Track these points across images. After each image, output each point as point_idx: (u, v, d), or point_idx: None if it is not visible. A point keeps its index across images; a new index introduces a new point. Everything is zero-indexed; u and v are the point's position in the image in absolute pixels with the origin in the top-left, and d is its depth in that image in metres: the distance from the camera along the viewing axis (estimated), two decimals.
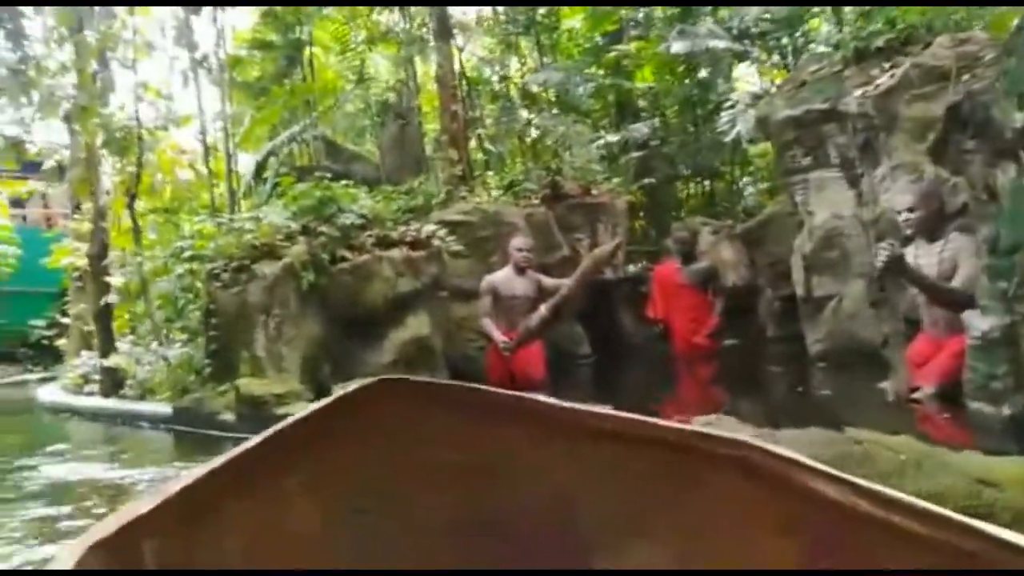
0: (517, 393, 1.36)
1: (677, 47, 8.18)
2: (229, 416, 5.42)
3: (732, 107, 8.28)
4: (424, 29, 11.41)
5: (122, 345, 7.91)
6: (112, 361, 7.24)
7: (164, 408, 6.07)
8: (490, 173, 8.63)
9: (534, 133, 8.87)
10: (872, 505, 0.90)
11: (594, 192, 8.07)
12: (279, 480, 1.16)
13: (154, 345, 7.21)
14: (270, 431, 1.15)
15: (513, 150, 8.98)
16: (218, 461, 1.03)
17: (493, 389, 1.36)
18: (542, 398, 1.36)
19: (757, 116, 6.45)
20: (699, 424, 2.59)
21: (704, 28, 8.86)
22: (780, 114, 5.84)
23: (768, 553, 1.03)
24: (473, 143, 8.97)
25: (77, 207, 8.97)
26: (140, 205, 8.28)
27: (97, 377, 7.57)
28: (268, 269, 5.86)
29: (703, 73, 10.11)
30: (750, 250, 8.44)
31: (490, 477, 1.29)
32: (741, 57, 9.17)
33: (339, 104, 10.02)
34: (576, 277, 5.92)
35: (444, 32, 8.75)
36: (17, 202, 15.86)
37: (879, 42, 5.30)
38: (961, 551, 0.81)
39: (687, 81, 9.84)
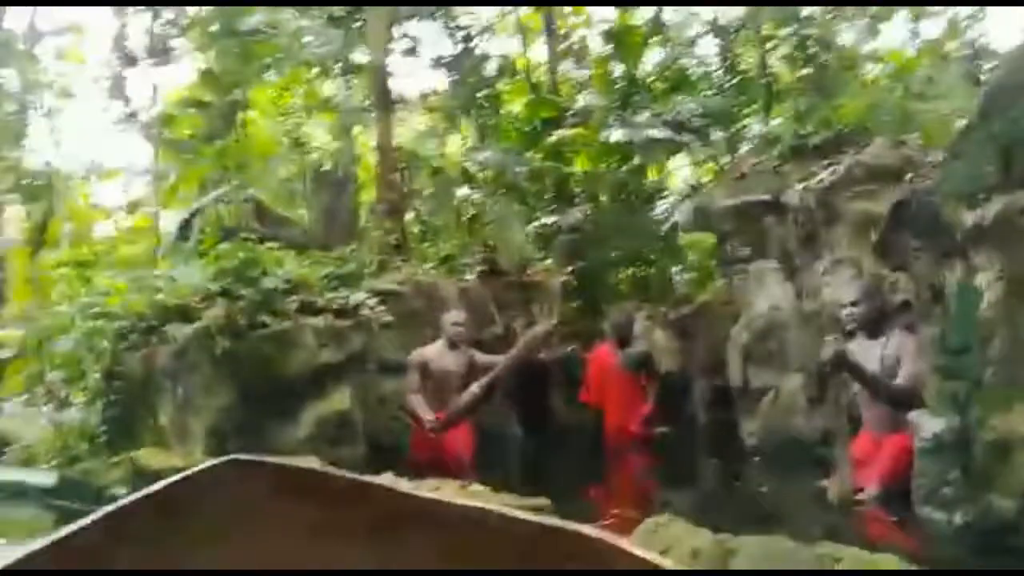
0: (368, 479, 1.37)
1: (616, 135, 8.29)
2: (121, 490, 4.87)
3: (668, 197, 8.38)
4: (366, 100, 11.39)
5: (9, 407, 7.21)
6: None
7: (49, 478, 5.45)
8: (425, 245, 8.43)
9: (471, 210, 8.76)
10: None
11: (529, 272, 7.94)
12: (111, 563, 1.14)
13: (46, 408, 6.58)
14: (106, 510, 1.13)
15: (449, 225, 8.83)
16: (40, 543, 1.00)
17: (343, 474, 1.36)
18: (393, 484, 1.38)
19: (696, 206, 6.48)
20: (648, 525, 2.36)
21: (642, 118, 9.07)
22: (720, 204, 5.87)
23: None
24: (409, 215, 8.77)
25: None
26: (52, 257, 7.72)
27: None
28: (180, 332, 5.43)
29: (636, 161, 10.30)
30: (683, 338, 8.41)
31: (336, 564, 1.28)
32: (676, 148, 9.37)
33: (271, 168, 9.73)
34: (511, 356, 5.71)
35: (385, 103, 8.67)
36: None
37: (816, 140, 5.41)
38: None
39: (621, 168, 9.97)
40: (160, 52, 12.74)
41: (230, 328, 5.60)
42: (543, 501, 2.91)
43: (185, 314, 5.51)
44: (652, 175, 9.89)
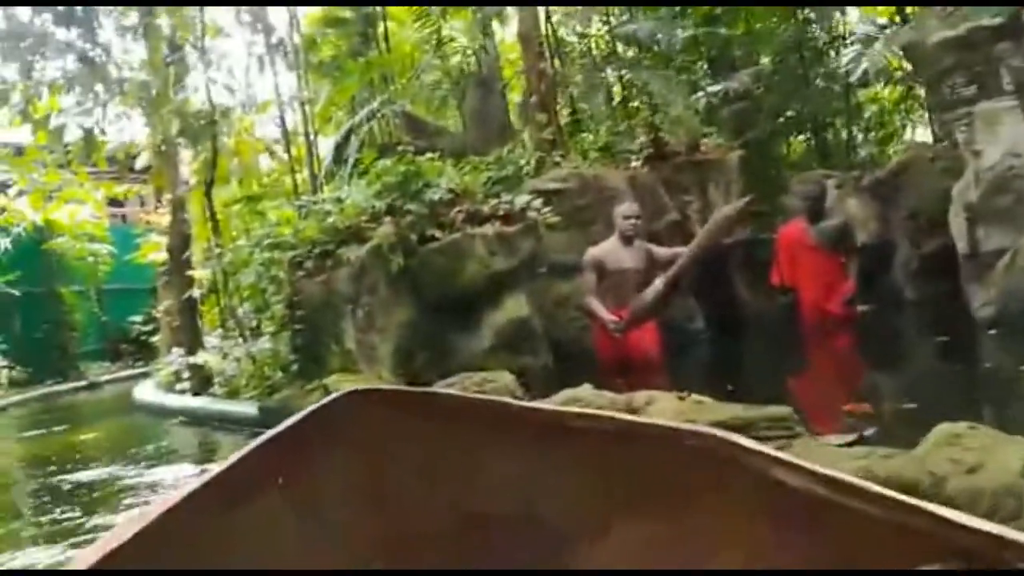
0: (486, 397, 1.51)
1: None
2: None
3: (853, 44, 7.29)
4: None
5: (210, 340, 7.64)
6: (199, 358, 6.95)
7: (252, 409, 5.68)
8: (583, 136, 7.89)
9: (621, 89, 8.06)
10: (831, 491, 0.96)
11: (702, 149, 7.24)
12: (258, 498, 1.19)
13: (240, 339, 6.87)
14: (245, 450, 1.19)
15: (604, 110, 8.20)
16: (194, 484, 1.07)
17: (461, 394, 1.57)
18: (510, 400, 1.51)
19: (901, 44, 5.51)
20: (944, 431, 1.88)
21: None
22: (935, 37, 4.90)
23: (740, 537, 1.08)
24: (561, 107, 8.22)
25: (160, 201, 8.76)
26: (222, 194, 7.96)
27: (187, 374, 7.31)
28: (354, 253, 5.35)
29: (808, 12, 9.10)
30: (881, 204, 7.49)
31: (464, 479, 1.33)
32: None
33: (417, 74, 9.44)
34: (697, 243, 5.19)
35: None
36: (117, 202, 16.13)
37: None
38: (919, 531, 0.85)
39: (791, 22, 8.82)
40: None
41: (401, 245, 5.47)
42: (783, 410, 2.47)
43: (357, 235, 5.42)
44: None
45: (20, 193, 12.42)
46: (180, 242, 7.52)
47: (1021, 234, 4.96)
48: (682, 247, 5.80)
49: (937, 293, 6.62)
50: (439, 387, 4.09)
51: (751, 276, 7.68)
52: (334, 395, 1.37)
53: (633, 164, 6.97)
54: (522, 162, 6.81)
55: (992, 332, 5.17)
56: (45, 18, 5.73)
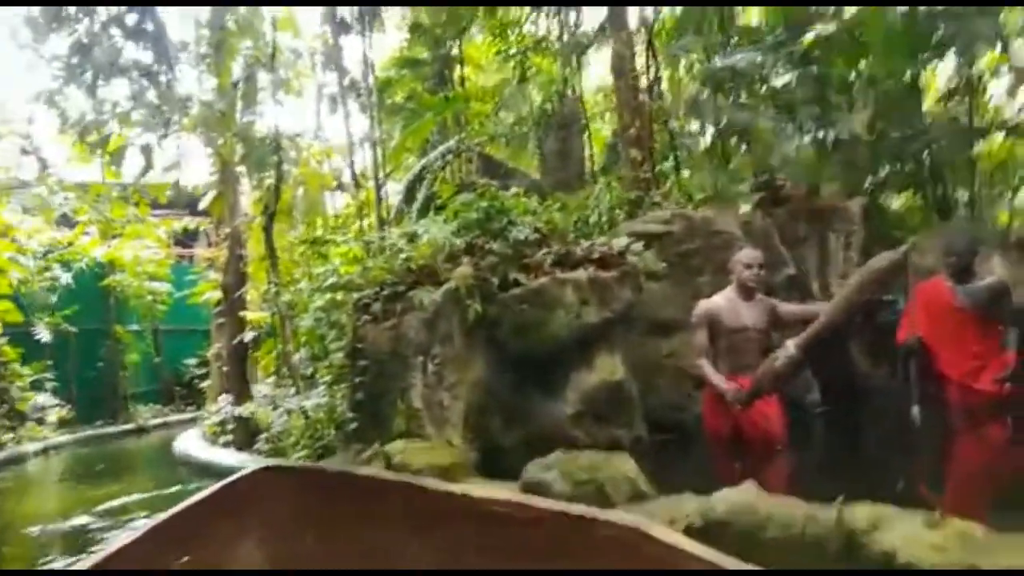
0: (402, 478, 1.69)
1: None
2: None
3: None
4: (584, 29, 10.18)
5: (261, 388, 6.94)
6: (246, 409, 6.24)
7: None
8: (686, 174, 7.08)
9: (723, 127, 7.24)
10: None
11: (820, 195, 6.35)
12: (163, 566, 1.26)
13: (292, 391, 6.14)
14: (149, 526, 1.36)
15: (704, 149, 7.40)
16: (98, 557, 1.18)
17: (379, 475, 1.02)
18: (428, 481, 1.68)
19: None
20: None
21: None
22: None
23: None
24: (658, 141, 7.45)
25: (219, 234, 8.23)
26: (284, 228, 7.37)
27: (232, 426, 6.61)
28: (427, 297, 4.59)
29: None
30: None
31: (371, 560, 1.42)
32: None
33: (501, 105, 8.84)
34: (843, 300, 4.27)
35: (619, 14, 7.37)
36: (186, 241, 15.95)
37: None
38: None
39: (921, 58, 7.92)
40: (370, 14, 12.30)
41: (481, 288, 4.70)
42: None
43: (431, 276, 4.68)
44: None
45: (84, 229, 12.20)
46: (236, 280, 6.92)
47: None
48: (814, 304, 4.89)
49: None
50: (528, 467, 3.26)
51: (869, 343, 6.67)
52: (244, 472, 1.45)
53: (742, 209, 6.09)
54: (612, 201, 6.00)
55: None
56: (114, 33, 5.29)
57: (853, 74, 9.02)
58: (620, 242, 5.08)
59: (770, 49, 7.63)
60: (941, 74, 9.59)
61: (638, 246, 5.07)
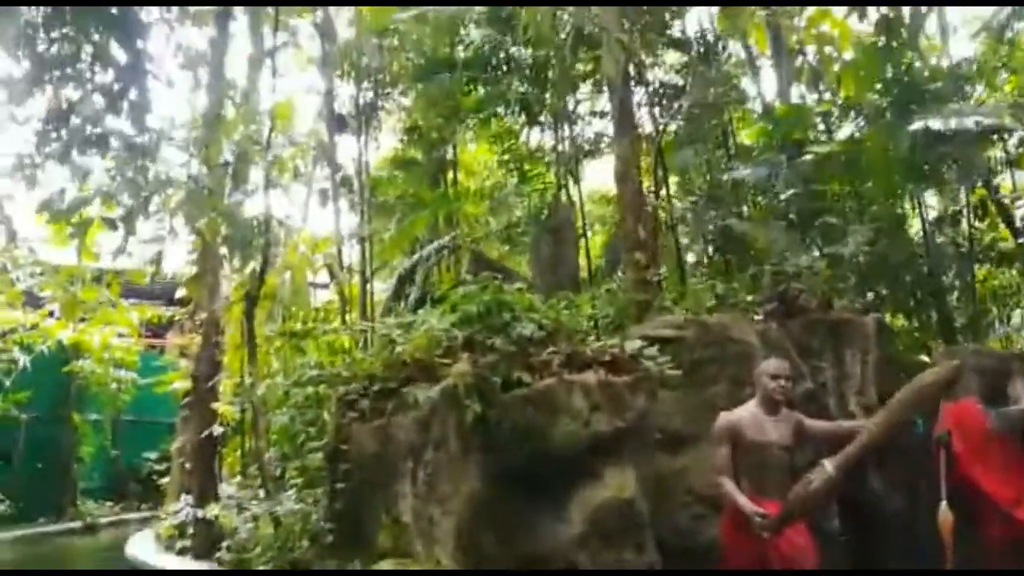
0: None
1: (935, 124, 6.34)
2: None
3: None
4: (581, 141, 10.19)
5: (227, 489, 6.30)
6: (210, 511, 5.60)
7: None
8: (693, 281, 6.80)
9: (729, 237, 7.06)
10: None
11: (835, 308, 6.07)
12: None
13: (260, 493, 5.53)
14: None
15: (713, 257, 7.18)
16: None
17: None
18: None
19: None
20: None
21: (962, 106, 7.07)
22: None
23: None
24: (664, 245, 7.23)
25: (194, 319, 7.73)
26: (265, 314, 6.93)
27: (191, 530, 5.93)
28: (422, 394, 4.13)
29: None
30: None
31: None
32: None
33: (498, 201, 8.65)
34: (885, 417, 3.88)
35: (627, 126, 7.29)
36: (157, 331, 15.32)
37: None
38: None
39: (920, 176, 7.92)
40: (368, 112, 12.30)
41: (480, 388, 4.25)
42: None
43: (427, 371, 4.24)
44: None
45: (51, 312, 11.62)
46: (209, 369, 6.41)
47: None
48: (848, 422, 4.50)
49: None
50: None
51: (887, 466, 6.25)
52: None
53: (756, 318, 5.78)
54: (621, 303, 5.66)
55: None
56: (96, 100, 4.99)
57: (850, 194, 9.06)
58: (633, 344, 4.70)
59: (775, 165, 7.58)
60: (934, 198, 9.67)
61: (652, 350, 4.68)
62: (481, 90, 10.51)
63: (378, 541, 3.95)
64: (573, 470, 4.52)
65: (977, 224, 9.25)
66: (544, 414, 4.42)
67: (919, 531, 5.33)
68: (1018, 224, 8.98)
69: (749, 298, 5.98)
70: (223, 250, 6.41)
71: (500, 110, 10.49)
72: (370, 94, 12.38)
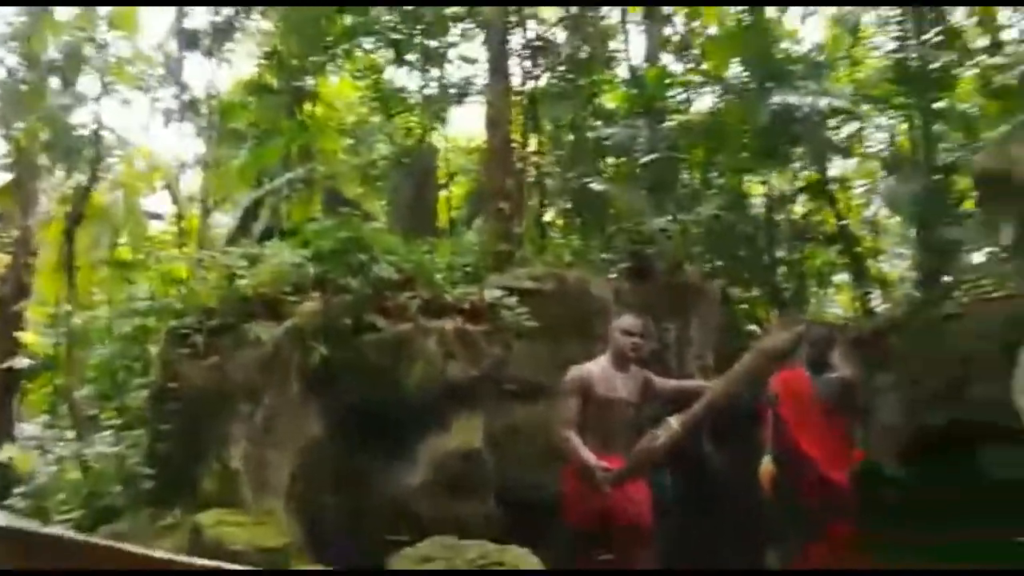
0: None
1: (792, 99, 6.61)
2: None
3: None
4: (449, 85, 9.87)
5: (28, 428, 5.65)
6: (3, 453, 4.98)
7: None
8: (555, 237, 6.77)
9: (600, 198, 7.09)
10: None
11: (685, 273, 6.24)
12: None
13: (70, 434, 4.98)
14: None
15: (575, 213, 7.18)
16: None
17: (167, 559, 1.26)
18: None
19: (977, 171, 4.74)
20: None
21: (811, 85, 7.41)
22: None
23: None
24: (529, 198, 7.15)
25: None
26: (89, 238, 6.20)
27: None
28: (265, 333, 3.81)
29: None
30: (865, 366, 6.63)
31: None
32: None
33: (359, 139, 8.21)
34: (732, 378, 3.97)
35: (500, 68, 7.09)
36: None
37: None
38: None
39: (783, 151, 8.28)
40: (223, 32, 11.30)
41: (330, 329, 3.99)
42: None
43: (272, 308, 3.91)
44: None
45: None
46: (15, 291, 5.65)
47: None
48: (694, 382, 4.61)
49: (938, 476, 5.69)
50: (399, 558, 2.59)
51: (719, 433, 6.56)
52: None
53: (610, 276, 5.83)
54: (483, 251, 5.53)
55: None
56: None
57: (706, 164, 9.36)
58: (492, 294, 4.57)
59: (643, 128, 7.65)
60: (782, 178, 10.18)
61: (511, 301, 4.58)
62: (349, 19, 9.92)
63: (202, 488, 3.63)
64: (422, 418, 4.37)
65: (808, 205, 9.83)
66: (397, 360, 4.23)
67: (743, 484, 5.65)
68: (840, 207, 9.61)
69: (605, 256, 6.00)
70: (44, 159, 5.61)
71: (368, 44, 9.97)
72: (228, 11, 11.39)
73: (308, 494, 4.07)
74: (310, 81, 11.36)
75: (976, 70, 8.42)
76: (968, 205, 8.31)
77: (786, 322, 6.76)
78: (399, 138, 9.07)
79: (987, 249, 8.19)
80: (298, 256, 4.32)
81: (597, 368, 4.36)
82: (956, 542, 4.89)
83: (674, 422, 3.97)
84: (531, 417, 5.09)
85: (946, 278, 7.91)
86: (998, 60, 8.52)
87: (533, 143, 7.62)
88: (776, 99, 7.31)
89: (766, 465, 4.88)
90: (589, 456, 4.12)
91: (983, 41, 8.71)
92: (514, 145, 6.80)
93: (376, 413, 4.23)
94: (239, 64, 12.34)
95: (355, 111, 12.09)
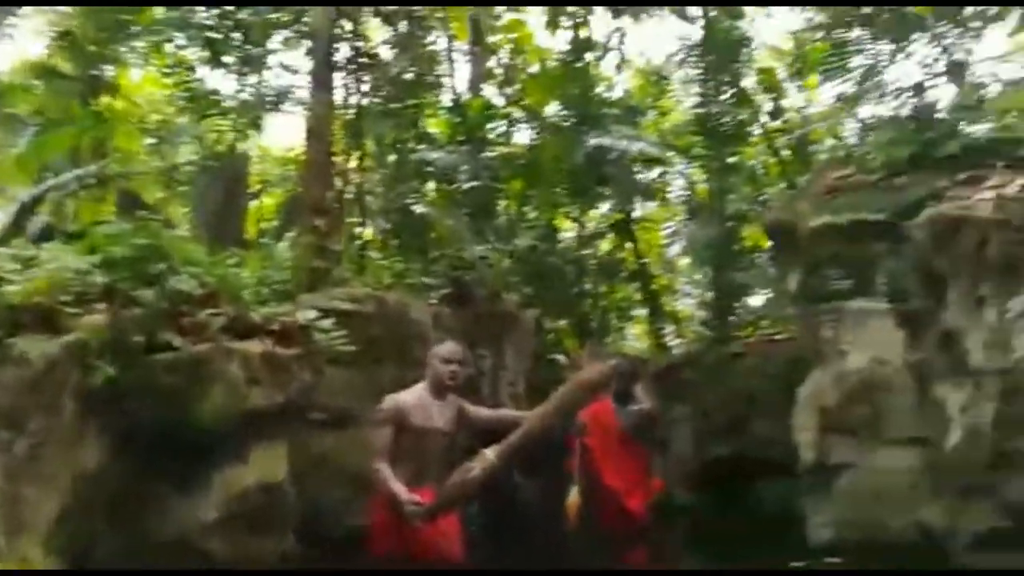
0: None
1: (607, 141, 6.96)
2: None
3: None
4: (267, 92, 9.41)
5: None
6: None
7: None
8: (376, 256, 6.57)
9: (423, 220, 7.02)
10: None
11: (503, 301, 6.30)
12: None
13: None
14: None
15: (396, 234, 7.04)
16: None
17: None
18: None
19: (768, 222, 5.16)
20: None
21: (625, 129, 7.85)
22: (814, 221, 4.53)
23: None
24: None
25: None
26: None
27: None
28: (36, 349, 3.33)
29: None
30: (662, 397, 7.04)
31: None
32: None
33: (163, 140, 7.56)
34: (549, 409, 3.99)
35: (324, 79, 6.84)
36: None
37: (951, 149, 4.21)
38: None
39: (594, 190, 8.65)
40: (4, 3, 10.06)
41: (118, 346, 3.56)
42: None
43: (47, 320, 3.42)
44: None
45: None
46: None
47: (870, 451, 4.50)
48: (509, 411, 4.62)
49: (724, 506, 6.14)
50: None
51: (529, 462, 6.64)
52: None
53: (430, 301, 5.75)
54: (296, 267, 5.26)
55: (832, 560, 4.54)
56: None
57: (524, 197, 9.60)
58: (306, 314, 4.32)
59: (465, 155, 7.69)
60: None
61: (326, 323, 4.36)
62: (160, 10, 9.20)
63: None
64: (219, 447, 4.01)
65: (613, 242, 10.35)
66: (193, 383, 3.85)
67: (551, 515, 5.74)
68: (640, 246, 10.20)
69: (425, 280, 5.93)
70: None
71: (180, 39, 9.27)
72: None
73: (79, 533, 3.59)
74: (109, 71, 10.42)
75: (761, 131, 9.35)
76: (753, 252, 9.17)
77: (594, 353, 7.02)
78: (208, 142, 8.46)
79: (766, 294, 9.07)
80: (83, 262, 3.83)
81: (413, 396, 4.24)
82: (739, 570, 5.27)
83: (490, 453, 3.93)
84: (340, 446, 4.86)
85: (733, 318, 8.63)
86: (779, 124, 9.54)
87: (355, 160, 7.39)
88: (593, 140, 7.64)
89: (573, 497, 4.98)
90: (399, 489, 3.97)
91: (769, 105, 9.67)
92: (335, 160, 6.54)
93: (166, 442, 3.82)
94: (24, 42, 11.05)
95: (160, 110, 11.20)
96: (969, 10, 6.18)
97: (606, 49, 9.42)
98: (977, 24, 6.23)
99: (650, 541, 5.54)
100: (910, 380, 4.27)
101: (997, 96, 5.07)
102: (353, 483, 4.83)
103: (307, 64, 7.43)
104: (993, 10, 6.30)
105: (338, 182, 6.35)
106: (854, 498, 4.53)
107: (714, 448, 6.47)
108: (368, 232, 7.37)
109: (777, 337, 6.59)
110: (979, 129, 4.42)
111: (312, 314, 4.32)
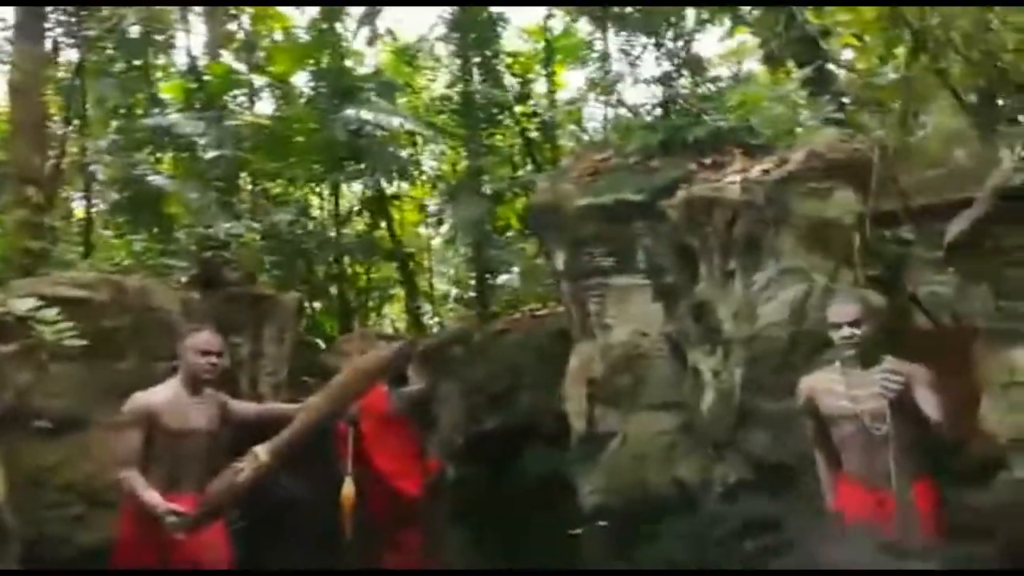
0: None
1: (366, 115, 6.70)
2: None
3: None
4: None
5: None
6: None
7: None
8: (108, 233, 5.68)
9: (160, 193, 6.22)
10: None
11: (259, 283, 5.83)
12: None
13: None
14: None
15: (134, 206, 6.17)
16: None
17: None
18: None
19: (533, 203, 5.24)
20: None
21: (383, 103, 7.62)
22: (578, 202, 4.68)
23: None
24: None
25: None
26: None
27: None
28: None
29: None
30: (433, 375, 7.02)
31: None
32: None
33: None
34: (326, 401, 3.70)
35: (34, 28, 5.81)
36: None
37: (698, 133, 4.57)
38: None
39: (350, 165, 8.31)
40: None
41: None
42: None
43: None
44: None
45: None
46: None
47: (632, 417, 4.79)
48: (278, 404, 4.25)
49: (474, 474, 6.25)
50: None
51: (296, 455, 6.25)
52: None
53: (175, 285, 5.14)
54: (4, 249, 4.41)
55: (601, 523, 4.77)
56: None
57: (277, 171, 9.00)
58: (23, 304, 3.61)
59: (211, 121, 6.95)
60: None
61: (50, 313, 3.67)
62: None
63: None
64: None
65: (369, 221, 10.09)
66: None
67: (320, 507, 5.43)
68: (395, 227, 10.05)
69: (168, 261, 5.27)
70: None
71: None
72: None
73: None
74: None
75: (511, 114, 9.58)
76: (506, 231, 9.42)
77: (364, 336, 6.76)
78: None
79: (516, 270, 9.39)
80: None
81: (165, 394, 3.73)
82: (514, 538, 5.37)
83: (261, 452, 3.56)
84: (71, 456, 4.17)
85: (492, 295, 8.82)
86: (527, 107, 9.84)
87: (75, 124, 6.37)
88: (350, 113, 7.31)
89: (347, 487, 4.74)
90: (154, 498, 3.48)
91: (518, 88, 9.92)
92: (49, 123, 5.58)
93: None
94: None
95: None
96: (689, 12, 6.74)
97: (359, 23, 9.05)
98: (693, 27, 6.82)
99: (423, 519, 5.48)
100: (667, 349, 4.57)
101: (728, 89, 5.60)
102: (82, 497, 4.19)
103: (10, 12, 6.24)
104: (705, 14, 6.92)
105: (54, 147, 5.39)
106: (618, 463, 4.78)
107: (482, 422, 6.53)
108: (96, 207, 6.40)
109: (539, 313, 6.80)
110: (718, 118, 4.82)
111: (30, 303, 3.61)
